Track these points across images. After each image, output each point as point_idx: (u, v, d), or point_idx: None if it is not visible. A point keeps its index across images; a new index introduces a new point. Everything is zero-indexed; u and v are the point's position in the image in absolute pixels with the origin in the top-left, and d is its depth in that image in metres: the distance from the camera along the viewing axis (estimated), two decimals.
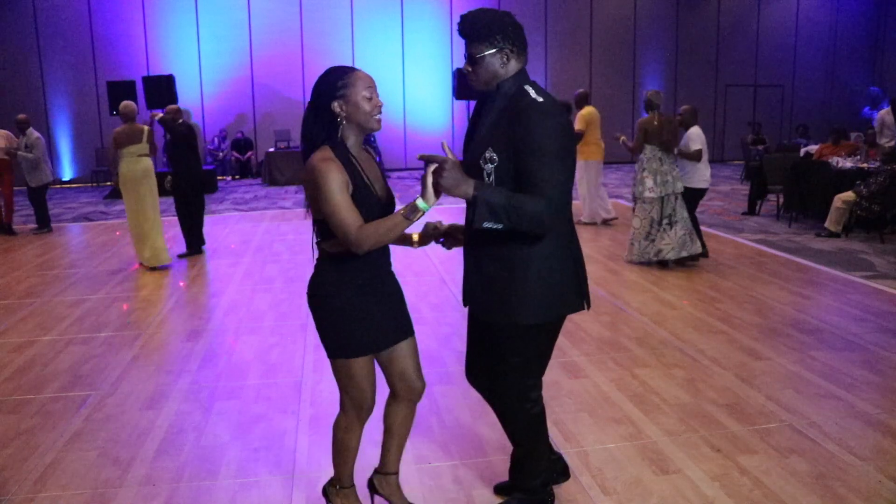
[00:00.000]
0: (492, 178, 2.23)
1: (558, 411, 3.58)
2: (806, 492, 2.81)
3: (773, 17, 18.12)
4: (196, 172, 7.49)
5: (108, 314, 5.47)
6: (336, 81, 2.24)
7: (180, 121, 7.35)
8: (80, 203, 12.33)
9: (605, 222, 8.96)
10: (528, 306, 2.30)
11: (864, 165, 8.70)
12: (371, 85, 2.25)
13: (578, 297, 2.41)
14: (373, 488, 2.67)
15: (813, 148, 10.54)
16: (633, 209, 6.84)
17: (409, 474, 3.00)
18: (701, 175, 6.71)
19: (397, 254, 6.48)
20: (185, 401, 3.82)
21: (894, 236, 8.01)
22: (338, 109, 2.23)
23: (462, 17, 2.30)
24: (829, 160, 9.07)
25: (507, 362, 2.41)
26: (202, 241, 7.69)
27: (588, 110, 8.77)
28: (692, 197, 6.70)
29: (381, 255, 2.36)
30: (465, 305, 2.53)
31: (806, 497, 2.78)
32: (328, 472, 3.01)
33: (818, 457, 3.09)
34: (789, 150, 11.91)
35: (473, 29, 2.26)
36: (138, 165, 6.85)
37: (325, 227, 2.26)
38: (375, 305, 2.33)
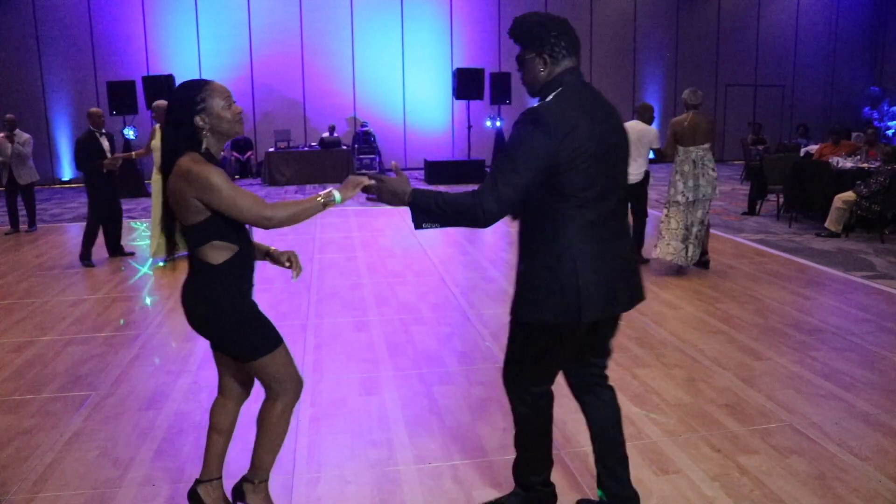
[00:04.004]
0: None
1: (558, 411, 3.56)
2: (806, 492, 2.81)
3: (773, 17, 18.12)
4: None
5: (108, 314, 5.47)
6: (194, 96, 2.28)
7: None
8: (81, 203, 12.31)
9: None
10: (522, 305, 2.36)
11: (865, 165, 8.69)
12: (228, 94, 2.34)
13: (574, 309, 2.26)
14: (241, 496, 2.59)
15: (813, 148, 10.54)
16: (666, 210, 6.46)
17: (409, 474, 2.99)
18: None
19: (397, 255, 6.51)
20: (185, 401, 3.81)
21: (894, 236, 8.01)
22: (200, 123, 2.28)
23: (515, 19, 2.39)
24: (830, 160, 9.07)
25: (509, 352, 2.52)
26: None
27: None
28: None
29: (252, 269, 2.45)
30: None
31: (806, 497, 2.78)
32: (328, 472, 3.01)
33: (818, 457, 3.09)
34: (789, 150, 11.91)
35: (518, 32, 2.37)
36: None
37: (200, 233, 2.29)
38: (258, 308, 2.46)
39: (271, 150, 14.82)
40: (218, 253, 2.31)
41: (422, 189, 2.31)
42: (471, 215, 2.20)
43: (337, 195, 2.31)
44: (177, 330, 5.07)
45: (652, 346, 4.51)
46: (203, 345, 4.70)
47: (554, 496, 2.71)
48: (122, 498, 2.86)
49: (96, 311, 5.53)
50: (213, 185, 2.20)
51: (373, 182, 2.34)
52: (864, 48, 18.70)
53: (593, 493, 2.82)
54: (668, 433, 3.33)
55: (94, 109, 7.45)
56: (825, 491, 2.82)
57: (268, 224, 2.25)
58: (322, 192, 2.32)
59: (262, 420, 2.50)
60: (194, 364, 4.36)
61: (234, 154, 15.61)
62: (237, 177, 15.63)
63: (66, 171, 15.16)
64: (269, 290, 6.09)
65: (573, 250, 2.25)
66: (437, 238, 7.92)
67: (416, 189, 2.31)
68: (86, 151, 7.17)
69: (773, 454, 3.11)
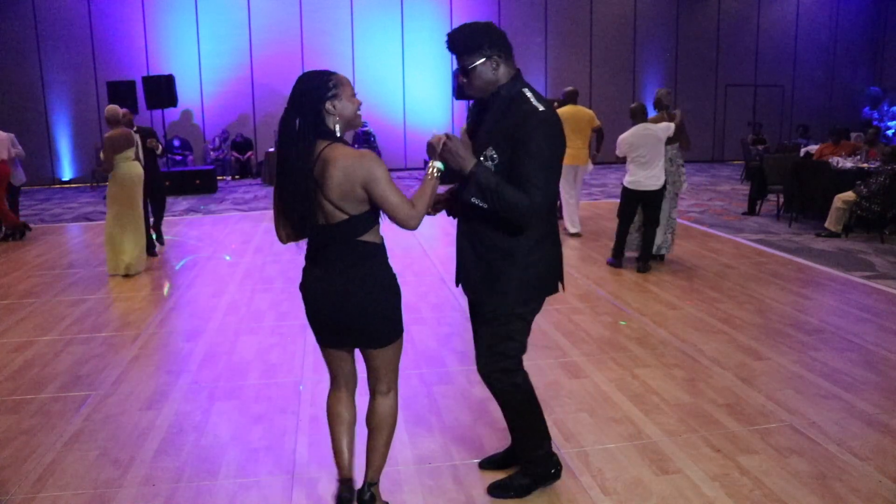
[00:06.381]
0: None
1: (558, 411, 3.58)
2: (806, 492, 2.81)
3: (773, 17, 18.12)
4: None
5: (108, 314, 5.47)
6: (327, 82, 2.30)
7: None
8: (80, 203, 12.32)
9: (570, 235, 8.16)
10: (519, 292, 2.50)
11: (865, 165, 8.69)
12: (352, 85, 2.38)
13: (557, 281, 2.64)
14: (373, 502, 2.63)
15: (813, 148, 10.54)
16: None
17: (409, 474, 3.00)
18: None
19: (397, 255, 6.55)
20: (185, 401, 3.81)
21: (894, 236, 8.01)
22: (332, 109, 2.30)
23: (448, 35, 2.48)
24: (830, 160, 9.07)
25: (493, 346, 2.60)
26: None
27: (564, 109, 7.83)
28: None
29: None
30: (457, 285, 2.71)
31: (806, 497, 2.78)
32: (328, 472, 3.01)
33: (818, 457, 3.09)
34: (789, 150, 11.92)
35: (460, 43, 2.45)
36: (135, 170, 6.64)
37: (366, 221, 2.31)
38: None
39: (271, 150, 14.81)
40: (376, 232, 2.36)
41: (483, 165, 2.40)
42: (520, 212, 2.35)
43: (439, 163, 2.40)
44: (177, 330, 5.07)
45: (652, 346, 4.51)
46: (203, 345, 4.71)
47: (559, 464, 2.84)
48: (122, 498, 2.86)
49: (96, 311, 5.53)
50: (384, 177, 2.23)
51: (445, 140, 2.40)
52: (864, 48, 18.69)
53: (594, 491, 2.83)
54: (668, 433, 3.33)
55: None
56: (825, 491, 2.82)
57: (413, 224, 2.27)
58: (428, 170, 2.39)
59: (383, 417, 2.51)
60: (194, 364, 4.36)
61: (234, 154, 15.62)
62: (237, 177, 15.64)
63: (67, 171, 15.16)
64: (269, 289, 6.10)
65: (555, 229, 2.60)
66: (438, 238, 7.91)
67: (479, 161, 2.40)
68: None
69: (773, 454, 3.12)
